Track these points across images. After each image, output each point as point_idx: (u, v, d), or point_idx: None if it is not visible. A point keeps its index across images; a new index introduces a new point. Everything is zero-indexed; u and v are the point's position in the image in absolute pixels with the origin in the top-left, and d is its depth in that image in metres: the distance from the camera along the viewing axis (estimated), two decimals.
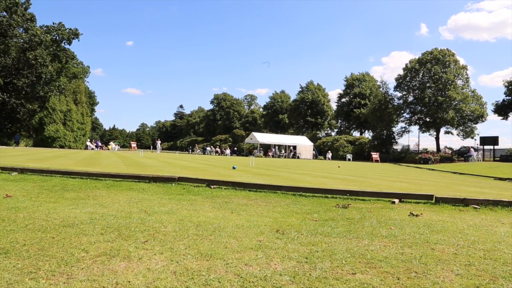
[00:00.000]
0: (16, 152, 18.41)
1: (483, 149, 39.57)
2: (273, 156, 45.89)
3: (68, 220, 3.14)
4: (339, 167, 17.05)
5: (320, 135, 66.31)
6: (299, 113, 67.72)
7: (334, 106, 68.20)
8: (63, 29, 39.11)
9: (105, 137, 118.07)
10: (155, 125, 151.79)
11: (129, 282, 1.83)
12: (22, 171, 6.64)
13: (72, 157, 15.18)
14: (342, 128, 64.07)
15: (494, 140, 37.69)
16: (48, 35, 37.53)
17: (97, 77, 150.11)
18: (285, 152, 49.93)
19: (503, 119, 46.47)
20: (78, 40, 40.46)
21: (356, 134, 60.46)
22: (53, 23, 39.56)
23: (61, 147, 39.35)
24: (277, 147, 51.80)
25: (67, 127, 42.51)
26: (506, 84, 44.64)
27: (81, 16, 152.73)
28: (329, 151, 47.27)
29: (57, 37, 39.11)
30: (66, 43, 40.47)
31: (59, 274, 1.89)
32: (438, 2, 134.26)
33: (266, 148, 50.34)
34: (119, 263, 2.11)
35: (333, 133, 67.10)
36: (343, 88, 64.91)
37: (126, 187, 5.46)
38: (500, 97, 62.50)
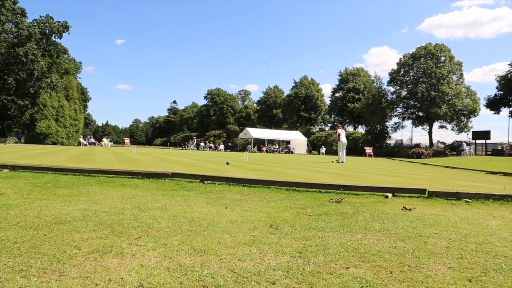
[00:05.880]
0: (7, 149, 18.24)
1: (475, 144, 39.94)
2: (267, 151, 45.93)
3: (61, 217, 3.12)
4: (332, 161, 17.11)
5: (313, 130, 66.42)
6: (293, 108, 67.76)
7: (327, 101, 68.25)
8: (51, 21, 38.53)
9: (98, 133, 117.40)
10: (148, 121, 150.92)
11: (122, 278, 1.82)
12: (14, 168, 6.57)
13: (64, 153, 15.06)
14: (335, 123, 64.29)
15: (486, 135, 38.06)
16: (36, 27, 36.94)
17: (89, 75, 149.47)
18: (279, 147, 49.98)
19: (495, 113, 46.84)
20: (68, 33, 40.02)
21: (350, 129, 60.67)
22: (40, 16, 38.95)
23: (54, 143, 39.05)
24: (271, 142, 51.79)
25: (59, 123, 42.12)
26: (498, 79, 44.92)
27: (71, 15, 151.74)
28: (323, 146, 47.41)
29: (47, 31, 38.55)
30: (56, 37, 39.93)
31: (51, 272, 1.88)
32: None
33: (260, 143, 50.33)
34: (112, 259, 2.09)
35: (326, 128, 67.23)
36: (336, 83, 64.96)
37: (119, 184, 5.43)
38: (482, 93, 63.63)
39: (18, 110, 42.10)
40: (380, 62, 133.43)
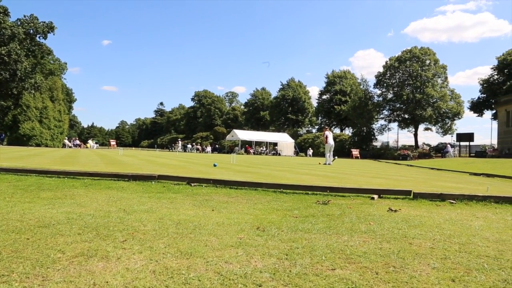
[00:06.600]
0: None
1: (459, 145, 40.68)
2: (254, 153, 45.93)
3: (44, 220, 3.06)
4: (319, 163, 17.20)
5: (301, 132, 66.69)
6: (280, 110, 67.93)
7: (314, 103, 68.60)
8: (36, 21, 37.85)
9: (84, 135, 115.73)
10: (135, 123, 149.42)
11: (107, 282, 1.80)
12: None
13: (48, 155, 14.82)
14: (322, 125, 64.71)
15: (469, 137, 38.79)
16: (21, 27, 36.20)
17: (75, 76, 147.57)
18: (266, 149, 50.03)
19: (478, 116, 47.87)
20: (54, 34, 39.38)
21: (337, 131, 61.10)
22: (24, 16, 38.19)
23: (37, 145, 38.35)
24: (258, 144, 51.80)
25: (43, 124, 41.36)
26: (481, 82, 45.89)
27: (56, 15, 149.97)
28: (310, 148, 47.63)
29: (31, 31, 37.84)
30: (41, 37, 39.25)
31: (34, 276, 1.84)
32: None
33: (247, 145, 50.32)
34: (96, 263, 2.07)
35: (314, 130, 67.56)
36: (323, 85, 65.35)
37: (105, 186, 5.36)
38: (466, 96, 65.32)
39: (1, 111, 41.26)
40: (366, 65, 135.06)
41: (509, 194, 5.19)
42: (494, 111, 43.48)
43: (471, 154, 37.64)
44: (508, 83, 41.60)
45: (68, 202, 3.99)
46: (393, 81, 46.34)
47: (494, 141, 40.22)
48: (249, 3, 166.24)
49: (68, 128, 52.79)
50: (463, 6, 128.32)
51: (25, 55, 37.96)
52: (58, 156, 14.69)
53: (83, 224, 2.96)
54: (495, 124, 41.58)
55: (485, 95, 45.89)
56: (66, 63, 59.86)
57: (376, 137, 50.25)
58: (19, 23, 37.61)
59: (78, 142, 49.10)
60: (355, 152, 41.66)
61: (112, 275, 1.90)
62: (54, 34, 39.93)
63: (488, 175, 11.76)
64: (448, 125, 44.71)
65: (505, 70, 43.09)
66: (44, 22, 38.87)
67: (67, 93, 58.84)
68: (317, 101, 66.15)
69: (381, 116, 49.04)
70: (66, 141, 44.56)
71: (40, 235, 2.60)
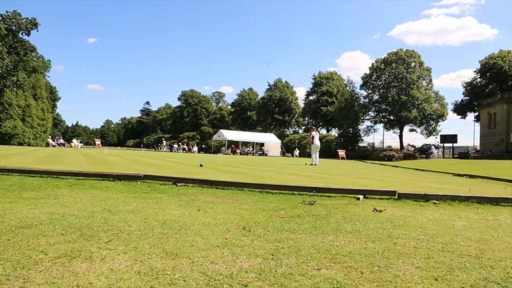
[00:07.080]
0: None
1: (443, 147, 41.33)
2: (241, 154, 45.88)
3: (26, 221, 3.00)
4: (306, 164, 17.28)
5: (287, 132, 66.85)
6: (267, 110, 67.97)
7: (301, 103, 68.83)
8: (18, 18, 37.07)
9: (68, 134, 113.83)
10: (120, 122, 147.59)
11: (91, 283, 1.77)
12: None
13: (31, 154, 14.54)
14: (309, 126, 64.92)
15: (453, 138, 39.48)
16: (2, 23, 35.42)
17: (59, 74, 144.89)
18: (253, 149, 50.04)
19: (461, 118, 48.77)
20: (37, 31, 38.65)
21: (323, 131, 61.42)
22: (7, 12, 37.38)
23: (20, 144, 37.62)
24: (245, 144, 51.78)
25: (26, 123, 40.59)
26: (465, 85, 46.76)
27: (40, 12, 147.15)
28: (297, 149, 47.78)
29: (13, 27, 37.06)
30: (24, 34, 38.48)
31: (15, 278, 1.80)
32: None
33: (234, 145, 50.25)
34: (80, 264, 2.04)
35: (300, 131, 67.78)
36: (310, 86, 65.61)
37: (89, 186, 5.29)
38: (450, 98, 66.69)
39: None
40: (352, 67, 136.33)
41: (491, 195, 5.30)
42: (476, 114, 44.31)
43: (455, 155, 38.30)
44: (491, 86, 42.47)
45: (51, 202, 3.92)
46: (379, 82, 46.81)
47: (477, 143, 41.02)
48: (236, 3, 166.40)
49: (51, 126, 51.92)
50: (447, 10, 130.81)
51: (7, 52, 37.20)
52: (41, 155, 14.42)
53: (66, 225, 2.91)
54: (477, 126, 42.37)
55: (468, 97, 46.76)
56: (50, 61, 58.80)
57: (362, 138, 50.67)
58: (0, 18, 36.82)
59: (62, 141, 48.23)
60: (341, 152, 41.93)
61: (96, 276, 1.87)
62: (37, 31, 39.27)
63: (471, 176, 11.99)
64: (433, 126, 45.40)
65: (488, 74, 43.99)
66: (27, 18, 38.15)
67: (51, 91, 57.81)
68: (303, 102, 66.39)
69: (367, 117, 49.52)
70: (50, 140, 43.80)
71: (22, 236, 2.55)
